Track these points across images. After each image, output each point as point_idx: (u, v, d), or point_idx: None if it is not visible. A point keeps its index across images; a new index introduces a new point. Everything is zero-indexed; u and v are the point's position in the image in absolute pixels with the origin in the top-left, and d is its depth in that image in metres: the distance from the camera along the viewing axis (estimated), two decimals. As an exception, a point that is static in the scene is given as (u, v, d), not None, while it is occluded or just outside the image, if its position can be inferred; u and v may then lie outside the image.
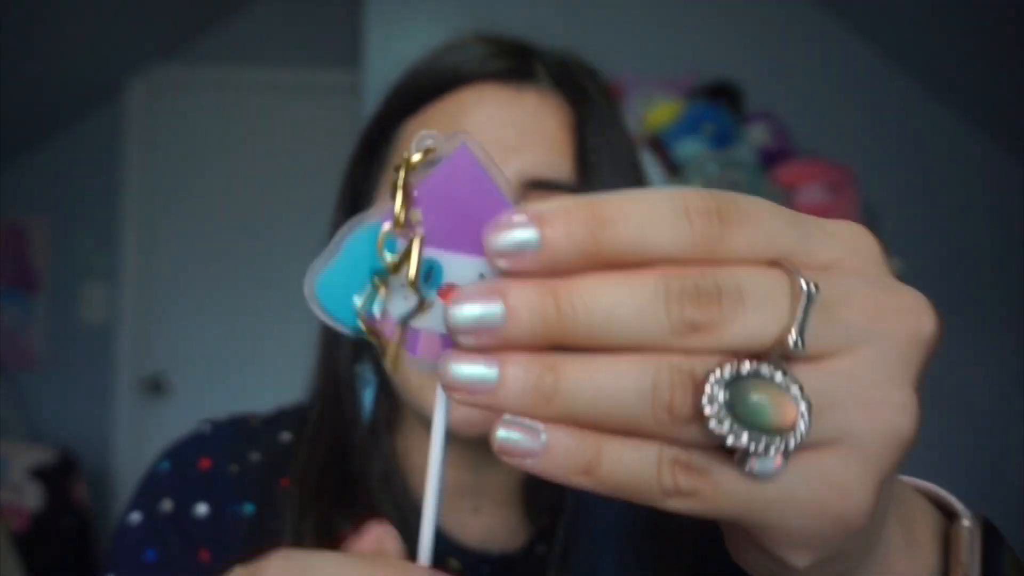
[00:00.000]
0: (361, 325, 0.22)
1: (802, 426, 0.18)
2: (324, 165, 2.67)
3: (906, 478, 0.27)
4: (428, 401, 0.45)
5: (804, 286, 0.19)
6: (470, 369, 0.19)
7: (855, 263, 0.21)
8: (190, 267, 2.64)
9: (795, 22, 2.04)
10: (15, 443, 2.26)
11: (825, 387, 0.19)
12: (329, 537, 0.47)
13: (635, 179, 0.51)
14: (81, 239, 2.64)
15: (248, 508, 0.51)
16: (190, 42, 2.68)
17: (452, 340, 0.20)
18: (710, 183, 1.44)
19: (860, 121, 2.04)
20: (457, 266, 0.21)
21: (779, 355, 0.19)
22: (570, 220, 0.18)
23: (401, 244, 0.21)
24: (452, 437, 0.50)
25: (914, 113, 2.10)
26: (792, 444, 0.18)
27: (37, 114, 2.45)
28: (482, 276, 0.21)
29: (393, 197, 0.21)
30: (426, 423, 0.49)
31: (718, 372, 0.18)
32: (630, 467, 0.19)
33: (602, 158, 0.48)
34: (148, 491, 0.52)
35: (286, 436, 0.54)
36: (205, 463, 0.52)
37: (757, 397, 0.18)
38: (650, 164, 1.53)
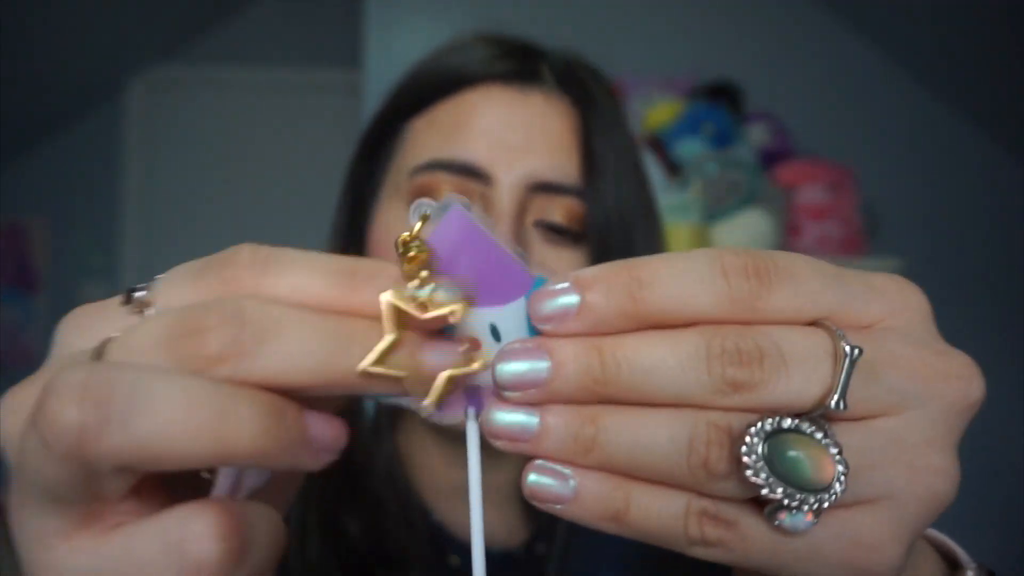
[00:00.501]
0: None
1: (838, 487, 0.18)
2: (324, 165, 2.68)
3: None
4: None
5: (847, 349, 0.19)
6: (512, 418, 0.19)
7: (901, 322, 0.21)
8: (190, 267, 2.64)
9: (795, 22, 2.04)
10: (15, 443, 2.26)
11: (866, 446, 0.19)
12: (334, 532, 0.47)
13: (638, 182, 0.51)
14: (81, 239, 2.64)
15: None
16: (190, 42, 2.68)
17: (475, 391, 0.21)
18: (710, 183, 1.43)
19: (860, 121, 2.04)
20: (468, 320, 0.22)
21: (821, 414, 0.19)
22: (610, 284, 0.19)
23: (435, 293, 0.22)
24: (454, 436, 0.50)
25: (914, 113, 2.10)
26: (827, 503, 0.18)
27: (37, 114, 2.45)
28: (492, 326, 0.22)
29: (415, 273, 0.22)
30: (428, 423, 0.49)
31: (759, 424, 0.18)
32: (658, 516, 0.19)
33: (607, 161, 0.48)
34: None
35: None
36: None
37: (796, 453, 0.18)
38: (650, 164, 1.53)
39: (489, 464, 0.54)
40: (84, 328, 0.21)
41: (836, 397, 0.18)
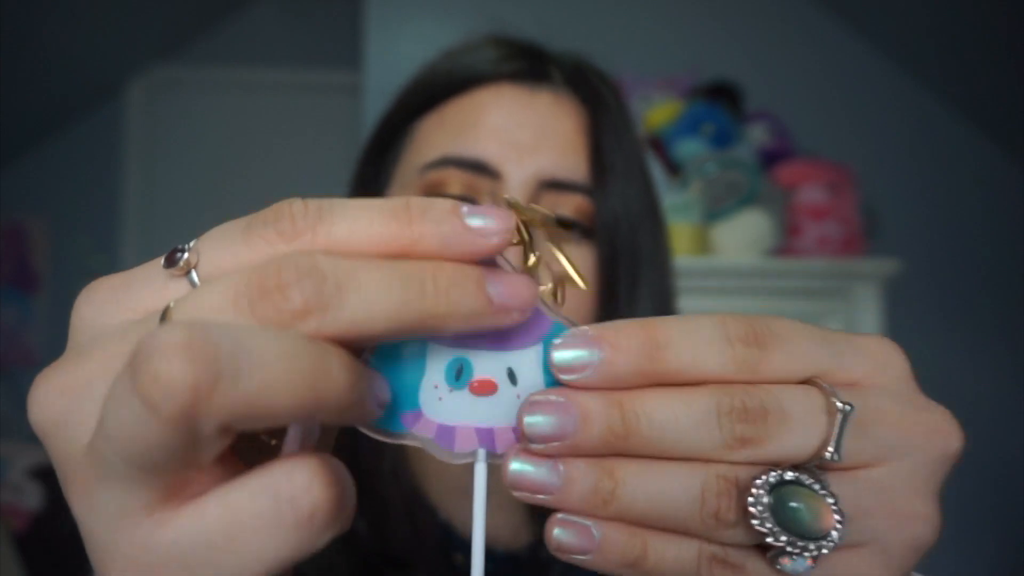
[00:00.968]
0: (403, 428, 0.23)
1: (835, 535, 0.20)
2: (324, 165, 2.68)
3: None
4: None
5: (840, 405, 0.20)
6: (536, 470, 0.20)
7: (885, 379, 0.22)
8: (190, 267, 2.64)
9: (795, 22, 2.04)
10: (15, 443, 2.26)
11: (858, 495, 0.21)
12: (342, 534, 0.48)
13: (645, 182, 0.52)
14: (81, 239, 2.64)
15: None
16: (190, 42, 2.68)
17: (488, 432, 0.22)
18: (710, 183, 1.43)
19: (860, 121, 2.04)
20: (486, 361, 0.23)
21: (817, 465, 0.21)
22: (629, 343, 0.20)
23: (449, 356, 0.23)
24: None
25: (914, 113, 2.10)
26: (825, 550, 0.20)
27: (37, 114, 2.45)
28: (509, 369, 0.23)
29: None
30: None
31: (764, 477, 0.20)
32: (674, 561, 0.20)
33: (615, 160, 0.49)
34: None
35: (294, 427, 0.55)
36: None
37: (797, 504, 0.20)
38: (651, 164, 1.52)
39: (491, 465, 0.54)
40: (110, 302, 0.20)
41: (832, 449, 0.20)
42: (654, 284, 0.51)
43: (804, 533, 0.20)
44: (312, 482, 0.17)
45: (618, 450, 0.20)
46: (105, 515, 0.17)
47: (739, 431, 0.20)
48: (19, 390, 2.54)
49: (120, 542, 0.17)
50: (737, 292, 1.41)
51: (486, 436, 0.23)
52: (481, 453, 0.23)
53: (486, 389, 0.23)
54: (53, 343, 2.61)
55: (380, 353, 0.23)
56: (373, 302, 0.18)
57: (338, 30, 2.59)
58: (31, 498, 2.09)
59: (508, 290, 0.20)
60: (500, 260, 0.22)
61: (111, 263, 2.63)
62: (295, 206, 0.20)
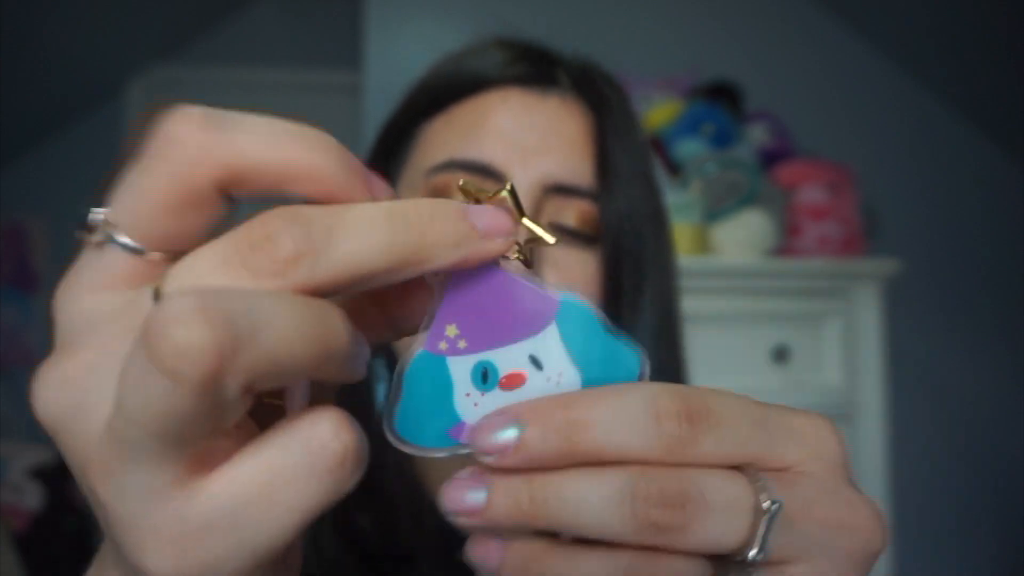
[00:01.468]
0: (454, 442, 0.24)
1: None
2: (324, 165, 2.68)
3: None
4: None
5: (767, 504, 0.20)
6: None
7: (817, 467, 0.22)
8: (190, 267, 2.64)
9: (795, 22, 2.04)
10: (15, 443, 2.26)
11: None
12: (347, 528, 0.48)
13: (651, 186, 0.52)
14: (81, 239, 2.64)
15: None
16: (190, 42, 2.68)
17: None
18: (710, 183, 1.43)
19: (860, 121, 2.04)
20: (507, 356, 0.23)
21: (740, 561, 0.20)
22: (546, 425, 0.20)
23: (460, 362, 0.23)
24: None
25: (914, 113, 2.10)
26: None
27: (37, 114, 2.45)
28: (532, 357, 0.23)
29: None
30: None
31: None
32: None
33: (621, 165, 0.49)
34: None
35: None
36: None
37: None
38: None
39: None
40: (88, 292, 0.21)
41: (756, 550, 0.20)
42: (658, 290, 0.51)
43: None
44: (338, 428, 0.18)
45: (532, 528, 0.20)
46: (134, 496, 0.17)
47: (654, 517, 0.19)
48: (19, 390, 2.54)
49: (154, 519, 0.17)
50: (737, 292, 1.41)
51: None
52: None
53: (516, 382, 0.23)
54: (53, 343, 2.61)
55: (409, 381, 0.23)
56: (363, 240, 0.19)
57: (338, 30, 2.59)
58: (31, 498, 2.09)
59: (489, 218, 0.21)
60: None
61: (111, 263, 2.63)
62: (292, 226, 0.18)
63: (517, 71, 0.50)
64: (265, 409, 0.21)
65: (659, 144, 1.53)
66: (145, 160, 0.20)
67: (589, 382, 0.23)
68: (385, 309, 0.23)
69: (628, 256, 0.49)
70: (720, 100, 1.59)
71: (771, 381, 1.42)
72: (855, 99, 2.05)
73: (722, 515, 0.20)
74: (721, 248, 1.44)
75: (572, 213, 0.48)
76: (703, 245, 1.43)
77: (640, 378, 0.22)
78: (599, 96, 0.51)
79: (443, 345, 0.23)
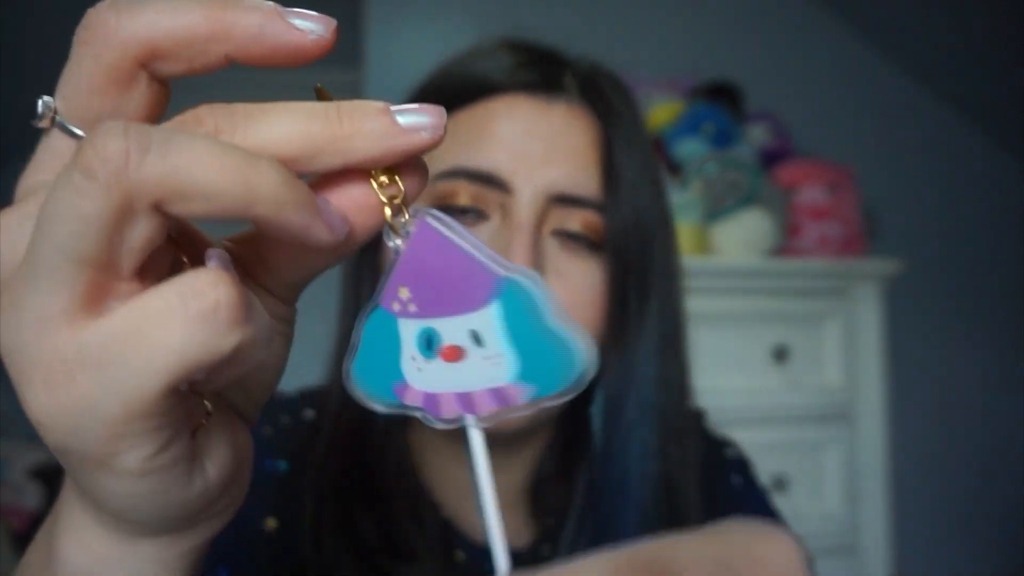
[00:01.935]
0: (397, 402, 0.24)
1: None
2: (324, 165, 2.69)
3: None
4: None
5: None
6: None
7: None
8: (190, 267, 2.64)
9: (795, 22, 2.04)
10: (15, 443, 2.26)
11: None
12: (348, 528, 0.48)
13: (656, 194, 0.51)
14: (81, 239, 2.64)
15: (282, 464, 0.52)
16: (190, 42, 2.68)
17: (467, 397, 0.23)
18: (710, 183, 1.43)
19: (860, 121, 2.04)
20: (449, 327, 0.23)
21: None
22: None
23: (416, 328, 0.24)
24: (462, 437, 0.50)
25: (914, 113, 2.10)
26: None
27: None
28: (473, 332, 0.23)
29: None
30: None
31: None
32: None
33: (627, 174, 0.48)
34: None
35: (309, 413, 0.56)
36: None
37: None
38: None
39: (494, 466, 0.54)
40: (39, 172, 0.23)
41: None
42: (664, 298, 0.51)
43: None
44: (218, 280, 0.18)
45: None
46: (27, 325, 0.18)
47: None
48: (19, 390, 2.54)
49: (38, 351, 0.18)
50: (737, 292, 1.41)
51: (466, 400, 0.23)
52: (469, 419, 0.23)
53: (455, 355, 0.23)
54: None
55: (366, 333, 0.24)
56: (282, 124, 0.20)
57: (338, 30, 2.59)
58: (31, 498, 2.09)
59: (413, 114, 0.21)
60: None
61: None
62: (216, 110, 0.20)
63: (524, 77, 0.50)
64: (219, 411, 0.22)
65: (659, 144, 1.53)
66: (73, 48, 0.22)
67: (526, 370, 0.22)
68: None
69: (634, 265, 0.49)
70: (720, 100, 1.59)
71: (771, 381, 1.42)
72: (855, 99, 2.05)
73: None
74: (721, 248, 1.44)
75: (577, 222, 0.48)
76: (703, 245, 1.43)
77: (582, 375, 0.22)
78: (606, 103, 0.51)
79: (395, 305, 0.23)
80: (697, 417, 0.61)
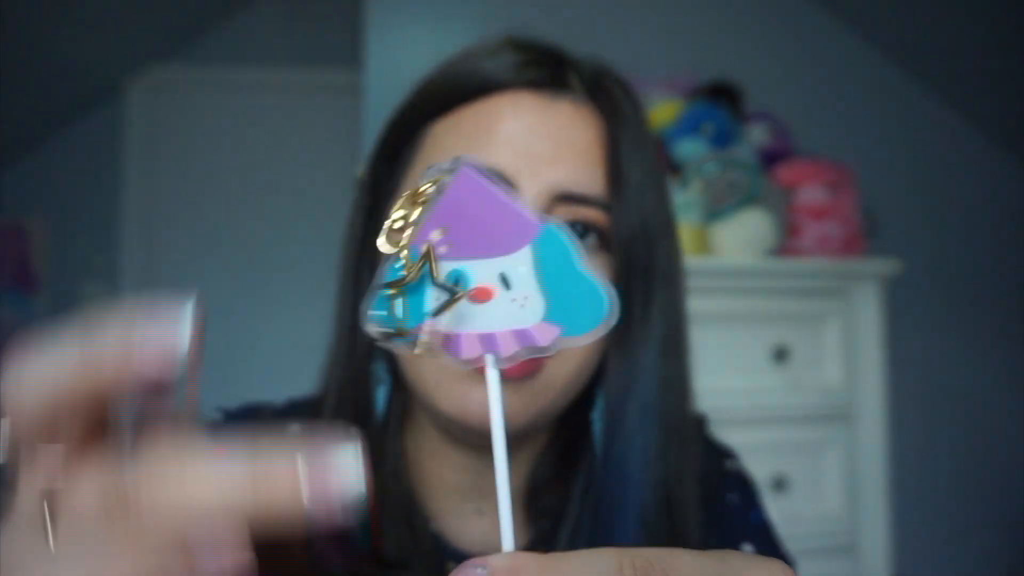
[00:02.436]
0: (411, 338, 0.25)
1: None
2: (324, 165, 2.68)
3: None
4: (440, 398, 0.46)
5: None
6: None
7: None
8: (190, 267, 2.64)
9: (795, 22, 2.04)
10: (15, 443, 2.26)
11: None
12: (337, 534, 0.47)
13: (661, 195, 0.51)
14: (81, 239, 2.64)
15: None
16: (190, 42, 2.68)
17: (490, 337, 0.24)
18: (710, 183, 1.43)
19: (860, 121, 2.04)
20: (480, 269, 0.24)
21: None
22: None
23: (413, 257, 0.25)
24: (463, 436, 0.50)
25: (913, 113, 2.10)
26: None
27: (37, 114, 2.45)
28: (502, 275, 0.24)
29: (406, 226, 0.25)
30: (438, 421, 0.49)
31: None
32: None
33: (632, 174, 0.48)
34: None
35: (294, 428, 0.55)
36: (217, 452, 0.52)
37: None
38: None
39: (492, 468, 0.54)
40: None
41: None
42: (667, 300, 0.51)
43: None
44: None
45: None
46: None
47: None
48: (19, 390, 2.54)
49: None
50: (737, 292, 1.41)
51: (489, 341, 0.24)
52: (489, 359, 0.24)
53: (483, 296, 0.24)
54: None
55: (392, 272, 0.25)
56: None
57: (338, 30, 2.59)
58: (31, 498, 2.09)
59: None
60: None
61: (111, 263, 2.63)
62: None
63: (529, 75, 0.49)
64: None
65: (659, 144, 1.53)
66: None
67: (554, 312, 0.23)
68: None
69: (638, 266, 0.49)
70: (720, 100, 1.59)
71: (771, 381, 1.42)
72: (855, 99, 2.05)
73: None
74: (721, 248, 1.44)
75: (582, 221, 0.48)
76: (703, 245, 1.43)
77: (606, 321, 0.23)
78: (612, 102, 0.50)
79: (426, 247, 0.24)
80: (699, 423, 0.60)
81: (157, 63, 2.64)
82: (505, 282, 0.24)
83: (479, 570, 0.22)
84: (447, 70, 0.52)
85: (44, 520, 0.20)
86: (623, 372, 0.50)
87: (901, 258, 1.49)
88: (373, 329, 0.25)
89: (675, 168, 1.51)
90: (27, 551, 0.22)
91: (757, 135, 1.60)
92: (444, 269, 0.24)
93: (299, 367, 0.57)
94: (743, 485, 0.61)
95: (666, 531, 0.48)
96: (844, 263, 1.47)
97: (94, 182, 2.65)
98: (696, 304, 0.56)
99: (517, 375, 0.44)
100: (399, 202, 0.25)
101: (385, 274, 0.25)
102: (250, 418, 0.55)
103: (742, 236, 1.42)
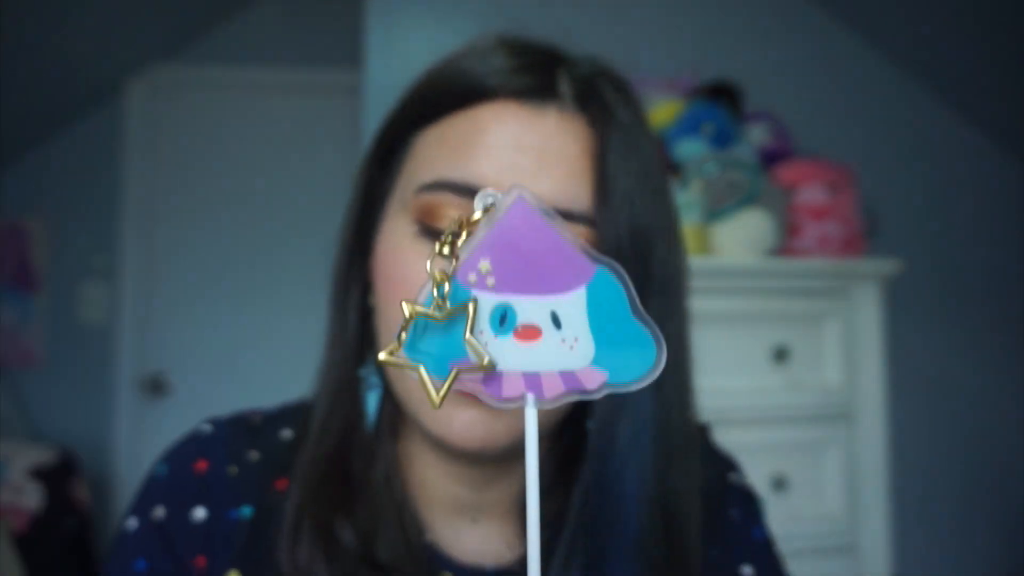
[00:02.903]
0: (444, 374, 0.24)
1: None
2: (324, 165, 2.68)
3: None
4: (426, 418, 0.44)
5: None
6: None
7: None
8: (190, 267, 2.64)
9: (795, 22, 2.04)
10: (15, 443, 2.26)
11: None
12: (327, 537, 0.47)
13: (657, 203, 0.48)
14: (81, 239, 2.64)
15: (246, 511, 0.50)
16: (190, 42, 2.68)
17: (535, 378, 0.22)
18: (710, 183, 1.43)
19: (860, 121, 2.04)
20: (529, 307, 0.23)
21: None
22: None
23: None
24: (452, 453, 0.50)
25: (914, 113, 2.10)
26: None
27: (37, 114, 2.45)
28: (553, 314, 0.23)
29: (451, 252, 0.24)
30: (426, 434, 0.48)
31: None
32: None
33: (622, 185, 0.45)
34: (145, 496, 0.52)
35: (287, 433, 0.54)
36: (202, 465, 0.52)
37: None
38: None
39: (488, 479, 0.53)
40: None
41: None
42: (664, 311, 0.47)
43: None
44: None
45: None
46: None
47: None
48: (19, 390, 2.54)
49: None
50: (737, 292, 1.41)
51: (533, 381, 0.23)
52: (530, 398, 0.23)
53: (531, 336, 0.23)
54: (53, 343, 2.61)
55: (428, 305, 0.24)
56: None
57: (339, 30, 2.59)
58: (31, 498, 2.09)
59: None
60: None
61: (111, 263, 2.63)
62: None
63: (516, 83, 0.47)
64: None
65: (660, 145, 1.53)
66: None
67: (601, 357, 0.22)
68: None
69: (629, 276, 0.47)
70: (720, 100, 1.59)
71: (771, 381, 1.42)
72: (855, 99, 2.05)
73: None
74: (721, 248, 1.44)
75: None
76: (703, 245, 1.43)
77: (654, 369, 0.22)
78: (604, 108, 0.47)
79: (472, 278, 0.23)
80: (701, 432, 0.58)
81: (157, 63, 2.64)
82: (556, 322, 0.23)
83: None
84: (436, 73, 0.51)
85: None
86: None
87: (901, 258, 1.49)
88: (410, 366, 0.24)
89: (675, 168, 1.51)
90: None
91: (757, 135, 1.60)
92: (488, 304, 0.23)
93: (299, 367, 0.57)
94: (746, 500, 0.60)
95: (664, 547, 0.47)
96: (844, 263, 1.47)
97: (94, 182, 2.65)
98: (696, 304, 0.55)
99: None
100: (449, 226, 0.24)
101: (423, 297, 0.24)
102: (240, 427, 0.55)
103: (742, 236, 1.42)
